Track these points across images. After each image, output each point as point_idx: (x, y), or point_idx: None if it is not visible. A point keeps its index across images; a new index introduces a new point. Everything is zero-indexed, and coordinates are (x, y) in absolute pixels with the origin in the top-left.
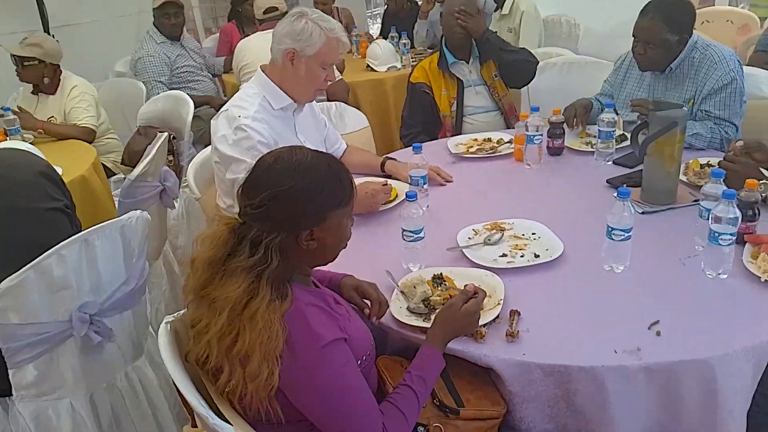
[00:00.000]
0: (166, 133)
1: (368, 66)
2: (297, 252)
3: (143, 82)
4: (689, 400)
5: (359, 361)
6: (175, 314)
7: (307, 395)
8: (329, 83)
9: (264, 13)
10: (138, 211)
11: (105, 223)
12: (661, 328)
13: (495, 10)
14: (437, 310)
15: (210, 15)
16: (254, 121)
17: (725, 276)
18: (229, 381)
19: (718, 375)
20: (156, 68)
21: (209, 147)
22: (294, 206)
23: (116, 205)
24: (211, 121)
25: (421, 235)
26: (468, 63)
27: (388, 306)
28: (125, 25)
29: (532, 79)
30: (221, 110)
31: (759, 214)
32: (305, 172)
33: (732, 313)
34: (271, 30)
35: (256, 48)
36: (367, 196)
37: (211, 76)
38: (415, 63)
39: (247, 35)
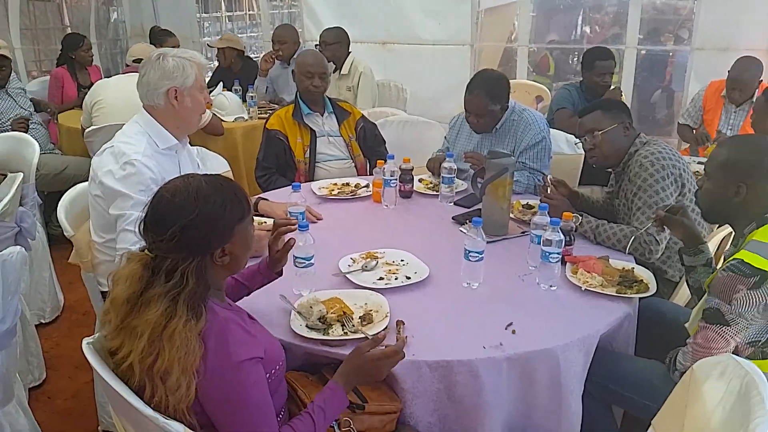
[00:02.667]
0: (21, 174)
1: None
2: (213, 269)
3: None
4: (541, 381)
5: (270, 374)
6: (93, 336)
7: (216, 407)
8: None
9: (133, 61)
10: (17, 247)
11: None
12: (515, 328)
13: (334, 71)
14: (333, 327)
15: (32, 58)
16: (144, 156)
17: (555, 288)
18: (152, 397)
19: (560, 360)
20: None
21: (78, 186)
22: (204, 230)
23: None
24: (93, 158)
25: (312, 261)
26: (322, 115)
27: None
28: None
29: None
30: (104, 147)
31: (574, 240)
32: (206, 198)
33: (565, 314)
34: (133, 73)
35: (114, 88)
36: (254, 241)
37: (41, 122)
38: (262, 115)
39: (79, 81)
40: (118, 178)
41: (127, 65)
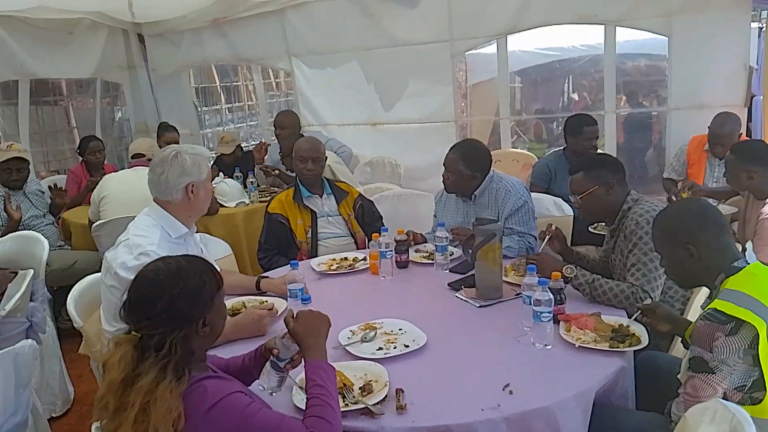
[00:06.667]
0: (32, 270)
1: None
2: (195, 340)
3: None
4: None
5: None
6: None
7: None
8: None
9: (132, 157)
10: (29, 341)
11: (0, 351)
12: (512, 388)
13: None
14: None
15: (41, 159)
16: (159, 248)
17: (549, 346)
18: None
19: (558, 417)
20: None
21: (87, 278)
22: (190, 301)
23: None
24: (108, 251)
25: None
26: (321, 197)
27: None
28: None
29: None
30: (119, 240)
31: (565, 299)
32: (187, 272)
33: (560, 372)
34: (137, 168)
35: (120, 183)
36: (254, 322)
37: (54, 221)
38: (262, 199)
39: (93, 176)
40: (133, 267)
41: (132, 158)
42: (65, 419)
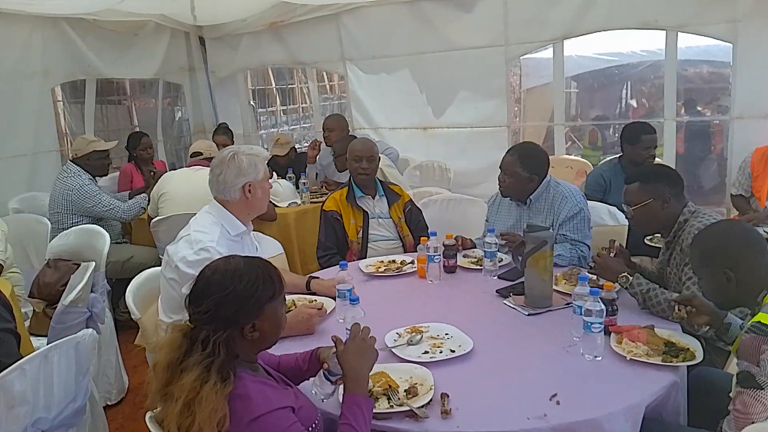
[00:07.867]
0: (93, 263)
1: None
2: (243, 343)
3: (94, 206)
4: None
5: (308, 429)
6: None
7: None
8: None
9: (191, 156)
10: (89, 330)
11: (62, 339)
12: (560, 398)
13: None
14: (379, 400)
15: None
16: (218, 245)
17: (600, 358)
18: None
19: (606, 430)
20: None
21: (145, 272)
22: (235, 306)
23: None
24: (169, 245)
25: None
26: (374, 198)
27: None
28: (17, 165)
29: None
30: (180, 235)
31: (617, 310)
32: (240, 277)
33: (610, 384)
34: (196, 167)
35: (178, 181)
36: (304, 321)
37: None
38: (314, 200)
39: (143, 172)
40: (192, 262)
41: (191, 156)
42: (119, 407)
